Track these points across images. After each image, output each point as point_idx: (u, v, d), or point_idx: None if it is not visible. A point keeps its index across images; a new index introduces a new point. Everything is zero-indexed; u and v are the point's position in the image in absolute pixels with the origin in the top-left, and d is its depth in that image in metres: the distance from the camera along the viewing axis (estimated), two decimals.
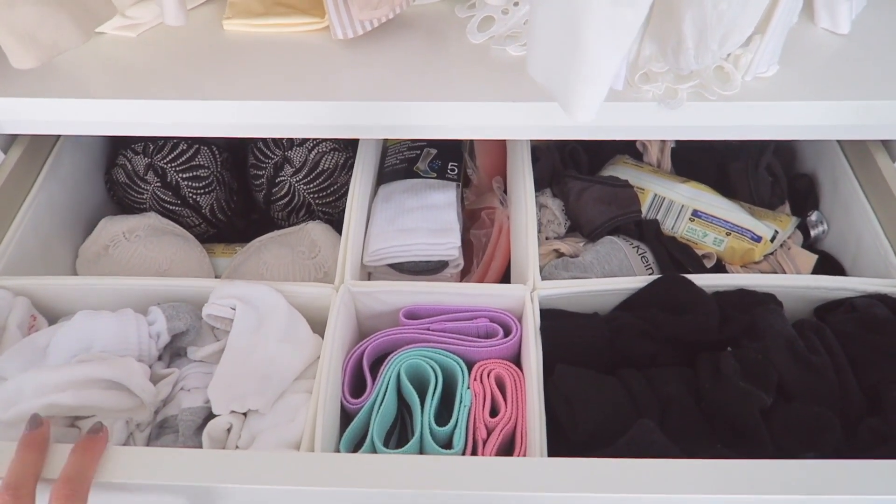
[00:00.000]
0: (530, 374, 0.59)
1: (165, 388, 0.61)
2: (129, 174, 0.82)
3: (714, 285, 0.67)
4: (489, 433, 0.59)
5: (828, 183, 0.82)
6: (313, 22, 0.72)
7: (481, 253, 0.80)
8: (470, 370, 0.63)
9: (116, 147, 0.86)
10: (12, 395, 0.55)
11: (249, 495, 0.50)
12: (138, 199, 0.83)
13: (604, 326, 0.64)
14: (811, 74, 0.67)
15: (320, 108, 0.66)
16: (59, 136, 0.81)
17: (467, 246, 0.83)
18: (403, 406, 0.64)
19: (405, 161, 0.85)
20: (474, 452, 0.58)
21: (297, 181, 0.83)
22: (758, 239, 0.77)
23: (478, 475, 0.49)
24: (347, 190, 0.75)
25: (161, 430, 0.60)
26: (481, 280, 0.79)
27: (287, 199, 0.84)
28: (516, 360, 0.66)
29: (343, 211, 0.74)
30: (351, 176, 0.77)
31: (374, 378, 0.63)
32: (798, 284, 0.68)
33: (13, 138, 0.76)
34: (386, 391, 0.61)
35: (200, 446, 0.57)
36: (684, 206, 0.79)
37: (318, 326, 0.64)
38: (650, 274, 0.74)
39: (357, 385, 0.65)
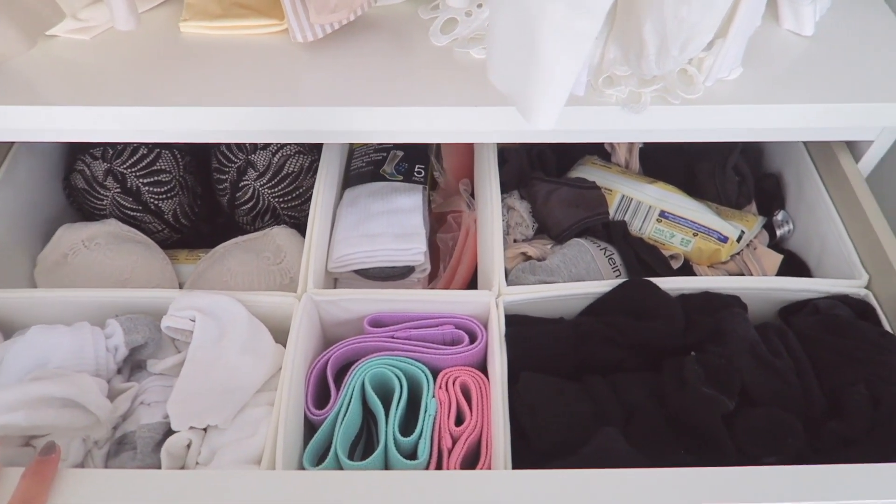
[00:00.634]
0: (495, 381, 0.59)
1: (124, 403, 0.60)
2: (87, 180, 0.80)
3: (679, 288, 0.67)
4: (454, 442, 0.59)
5: (793, 183, 0.82)
6: (272, 24, 0.70)
7: (448, 257, 0.80)
8: (435, 378, 0.62)
9: (75, 152, 0.83)
10: None
11: None
12: (98, 206, 0.81)
13: (569, 332, 0.63)
14: (776, 77, 0.67)
15: (281, 114, 0.64)
16: (13, 142, 0.78)
17: (434, 250, 0.82)
18: (369, 415, 0.63)
19: (371, 164, 0.84)
20: (439, 462, 0.58)
21: (260, 185, 0.81)
22: (724, 239, 0.77)
23: (440, 490, 0.48)
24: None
25: (119, 447, 0.58)
26: (448, 284, 0.78)
27: (251, 203, 0.82)
28: (482, 366, 0.65)
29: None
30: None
31: (338, 388, 0.62)
32: (762, 286, 0.68)
33: None
34: (350, 401, 0.60)
35: (159, 464, 0.56)
36: (652, 206, 0.79)
37: (282, 336, 0.63)
38: (617, 276, 0.74)
39: (321, 395, 0.64)
